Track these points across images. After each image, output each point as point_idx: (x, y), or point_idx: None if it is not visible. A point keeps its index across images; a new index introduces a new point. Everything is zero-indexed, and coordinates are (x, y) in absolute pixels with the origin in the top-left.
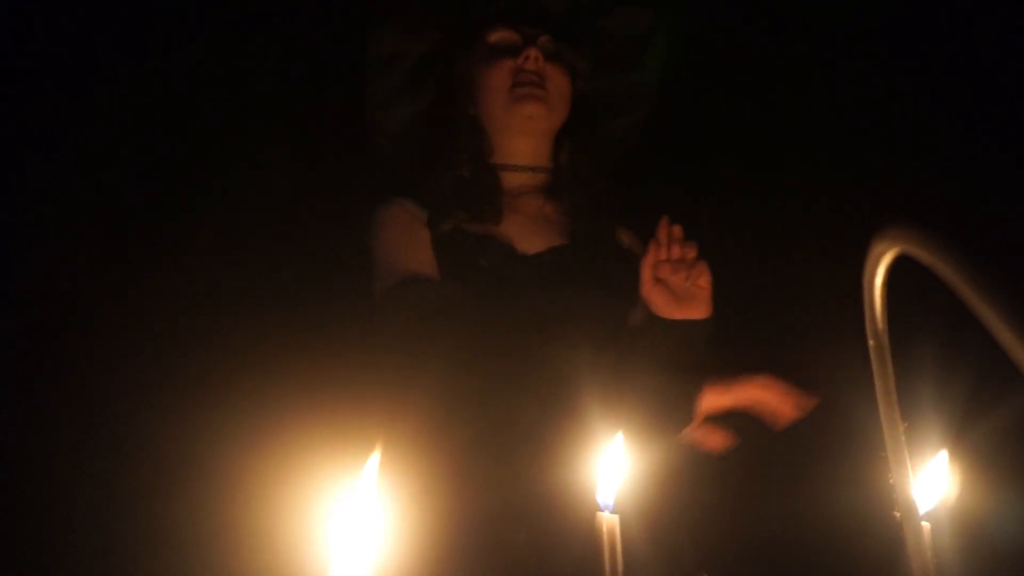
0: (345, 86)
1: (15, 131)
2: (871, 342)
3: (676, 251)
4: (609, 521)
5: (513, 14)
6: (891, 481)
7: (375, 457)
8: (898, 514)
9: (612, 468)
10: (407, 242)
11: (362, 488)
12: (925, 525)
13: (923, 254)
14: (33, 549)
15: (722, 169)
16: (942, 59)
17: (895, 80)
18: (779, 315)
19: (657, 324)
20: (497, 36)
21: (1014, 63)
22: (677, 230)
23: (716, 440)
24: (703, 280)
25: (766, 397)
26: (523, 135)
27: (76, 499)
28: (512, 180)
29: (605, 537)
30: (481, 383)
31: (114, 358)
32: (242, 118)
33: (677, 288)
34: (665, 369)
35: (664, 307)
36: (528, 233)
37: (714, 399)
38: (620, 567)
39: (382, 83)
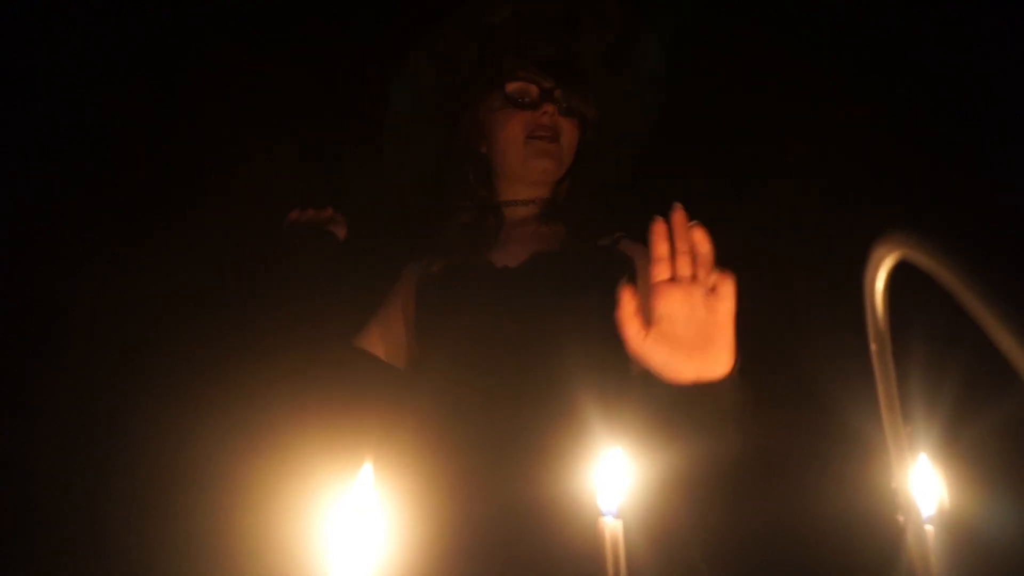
0: (346, 88)
1: (14, 133)
2: (873, 346)
3: (683, 243)
4: (612, 526)
5: (532, 65)
6: (893, 486)
7: (368, 463)
8: (902, 518)
9: (615, 473)
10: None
11: (361, 491)
12: (928, 529)
13: (922, 259)
14: (26, 551)
15: (723, 174)
16: (943, 64)
17: (897, 85)
18: (782, 320)
19: (657, 391)
20: (515, 87)
21: (1013, 68)
22: (680, 217)
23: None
24: (725, 304)
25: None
26: (531, 185)
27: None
28: (512, 213)
29: (608, 543)
30: (476, 389)
31: (111, 362)
32: (242, 121)
33: (684, 323)
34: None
35: (667, 361)
36: (513, 252)
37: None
38: (623, 573)
39: (401, 118)
